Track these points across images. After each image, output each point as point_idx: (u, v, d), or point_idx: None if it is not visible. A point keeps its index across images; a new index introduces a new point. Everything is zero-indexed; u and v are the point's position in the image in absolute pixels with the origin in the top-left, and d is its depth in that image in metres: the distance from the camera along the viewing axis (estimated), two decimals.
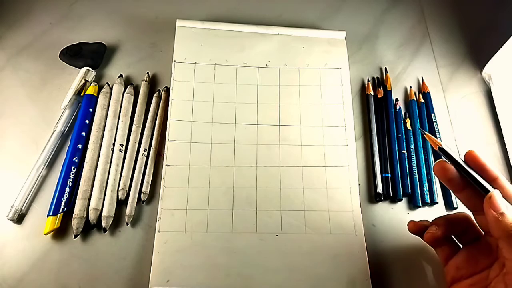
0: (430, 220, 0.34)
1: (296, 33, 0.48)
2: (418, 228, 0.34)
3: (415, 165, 0.42)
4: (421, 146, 0.43)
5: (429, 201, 0.40)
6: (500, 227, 0.27)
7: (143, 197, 0.38)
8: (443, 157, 0.31)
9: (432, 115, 0.45)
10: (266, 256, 0.36)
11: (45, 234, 0.35)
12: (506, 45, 0.44)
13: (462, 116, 0.46)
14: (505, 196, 0.28)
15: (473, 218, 0.32)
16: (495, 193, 0.28)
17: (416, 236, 0.35)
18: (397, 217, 0.40)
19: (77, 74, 0.43)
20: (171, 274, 0.34)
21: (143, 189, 0.39)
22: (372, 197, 0.41)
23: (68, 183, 0.37)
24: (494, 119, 0.46)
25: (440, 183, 0.42)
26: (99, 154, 0.39)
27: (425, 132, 0.32)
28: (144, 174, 0.39)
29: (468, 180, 0.30)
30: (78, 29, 0.48)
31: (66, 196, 0.37)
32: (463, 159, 0.30)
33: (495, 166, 0.29)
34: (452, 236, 0.34)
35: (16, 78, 0.45)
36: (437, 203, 0.40)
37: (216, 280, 0.35)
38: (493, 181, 0.29)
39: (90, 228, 0.37)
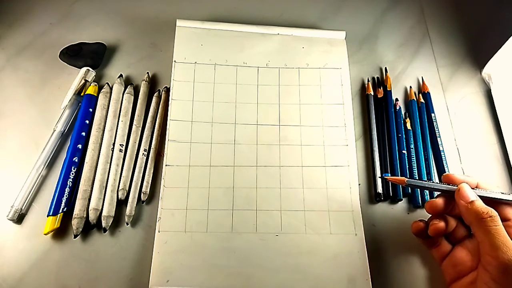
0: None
1: (296, 33, 0.48)
2: (420, 228, 0.34)
3: (415, 165, 0.42)
4: (421, 146, 0.43)
5: None
6: (470, 214, 0.30)
7: (143, 197, 0.38)
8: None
9: (432, 115, 0.44)
10: (266, 256, 0.36)
11: (45, 234, 0.35)
12: (506, 45, 0.44)
13: (462, 116, 0.46)
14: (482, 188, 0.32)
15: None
16: (463, 186, 0.31)
17: (416, 236, 0.35)
18: (397, 217, 0.40)
19: (77, 74, 0.43)
20: (171, 274, 0.34)
21: (143, 189, 0.39)
22: (372, 197, 0.41)
23: (68, 183, 0.37)
24: (494, 119, 0.46)
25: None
26: (99, 154, 0.39)
27: (386, 177, 0.35)
28: (144, 174, 0.39)
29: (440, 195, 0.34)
30: (78, 29, 0.48)
31: (66, 196, 0.37)
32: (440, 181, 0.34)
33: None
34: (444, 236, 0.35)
35: (16, 78, 0.45)
36: None
37: (216, 280, 0.35)
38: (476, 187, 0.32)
39: (90, 228, 0.37)
